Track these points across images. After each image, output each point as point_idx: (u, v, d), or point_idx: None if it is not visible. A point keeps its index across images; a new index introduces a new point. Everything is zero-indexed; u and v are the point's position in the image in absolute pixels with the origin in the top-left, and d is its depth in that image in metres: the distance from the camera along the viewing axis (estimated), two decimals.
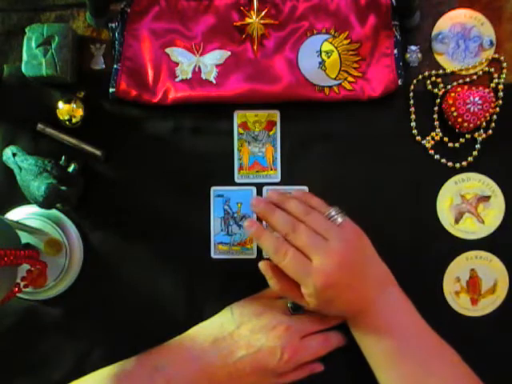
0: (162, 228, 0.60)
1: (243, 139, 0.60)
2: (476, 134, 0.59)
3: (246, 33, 0.58)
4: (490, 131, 0.59)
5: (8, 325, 0.60)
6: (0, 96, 0.60)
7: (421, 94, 0.59)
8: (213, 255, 0.60)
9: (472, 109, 0.57)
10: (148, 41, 0.59)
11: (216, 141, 0.60)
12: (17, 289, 0.53)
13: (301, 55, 0.59)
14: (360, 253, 0.51)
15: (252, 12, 0.58)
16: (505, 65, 0.59)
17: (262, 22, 0.58)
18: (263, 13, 0.58)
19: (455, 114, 0.57)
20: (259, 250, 0.60)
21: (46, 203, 0.52)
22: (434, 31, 0.60)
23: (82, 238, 0.60)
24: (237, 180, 0.60)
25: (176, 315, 0.59)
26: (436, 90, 0.59)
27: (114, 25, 0.58)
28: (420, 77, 0.60)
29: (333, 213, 0.52)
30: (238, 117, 0.60)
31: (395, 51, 0.58)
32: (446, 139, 0.59)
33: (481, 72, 0.59)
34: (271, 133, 0.60)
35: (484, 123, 0.59)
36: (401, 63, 0.58)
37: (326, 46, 0.59)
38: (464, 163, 0.59)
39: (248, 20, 0.58)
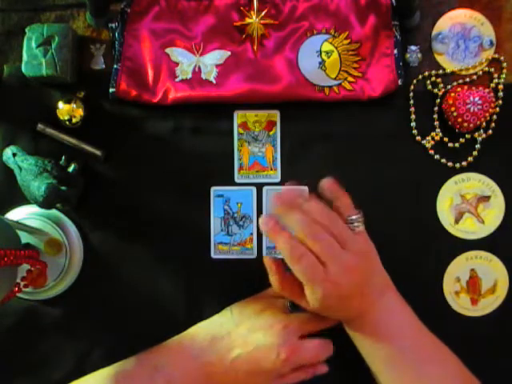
0: (162, 228, 0.60)
1: (243, 139, 0.60)
2: (476, 134, 0.59)
3: (246, 33, 0.58)
4: (490, 131, 0.59)
5: (8, 325, 0.60)
6: (0, 96, 0.60)
7: (421, 94, 0.59)
8: (213, 255, 0.60)
9: (472, 109, 0.57)
10: (148, 41, 0.59)
11: (216, 141, 0.60)
12: (17, 289, 0.53)
13: (301, 55, 0.59)
14: (369, 266, 0.51)
15: (252, 12, 0.58)
16: (505, 65, 0.59)
17: (261, 22, 0.58)
18: (263, 13, 0.58)
19: (455, 113, 0.57)
20: (259, 250, 0.60)
21: (46, 203, 0.52)
22: (434, 31, 0.60)
23: (82, 238, 0.60)
24: (237, 180, 0.60)
25: (176, 315, 0.59)
26: (436, 90, 0.59)
27: (114, 25, 0.58)
28: (420, 77, 0.60)
29: (354, 218, 0.50)
30: (238, 117, 0.60)
31: (395, 51, 0.58)
32: (445, 139, 0.59)
33: (481, 72, 0.59)
34: (271, 133, 0.60)
35: (484, 123, 0.59)
36: (401, 63, 0.58)
37: (326, 46, 0.59)
38: (464, 163, 0.59)
39: (248, 20, 0.58)
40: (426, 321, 0.52)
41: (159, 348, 0.56)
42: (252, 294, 0.58)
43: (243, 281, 0.59)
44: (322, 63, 0.59)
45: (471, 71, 0.60)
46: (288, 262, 0.49)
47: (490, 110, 0.58)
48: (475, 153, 0.59)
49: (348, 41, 0.59)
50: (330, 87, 0.59)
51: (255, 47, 0.59)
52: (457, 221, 0.59)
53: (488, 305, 0.59)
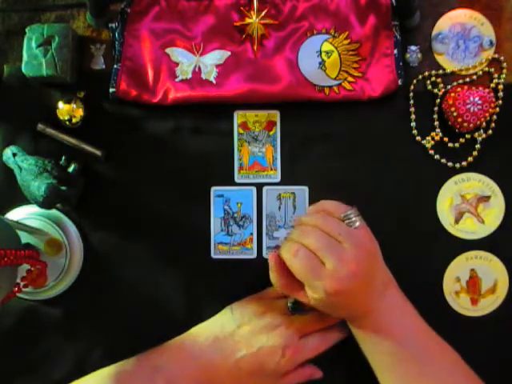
0: (162, 228, 0.60)
1: (243, 139, 0.60)
2: (476, 134, 0.59)
3: (246, 33, 0.58)
4: (490, 131, 0.59)
5: (8, 325, 0.60)
6: (0, 96, 0.60)
7: (421, 94, 0.59)
8: (213, 255, 0.60)
9: (472, 109, 0.57)
10: (148, 41, 0.59)
11: (216, 141, 0.60)
12: (17, 289, 0.53)
13: (301, 55, 0.59)
14: (372, 260, 0.50)
15: (252, 12, 0.58)
16: (505, 65, 0.59)
17: (261, 22, 0.58)
18: (263, 13, 0.58)
19: (455, 114, 0.57)
20: (259, 250, 0.60)
21: (45, 203, 0.52)
22: (434, 31, 0.60)
23: (82, 238, 0.60)
24: (237, 180, 0.60)
25: (176, 315, 0.59)
26: (436, 90, 0.59)
27: (114, 25, 0.58)
28: (420, 77, 0.60)
29: (349, 213, 0.50)
30: (238, 117, 0.60)
31: (395, 51, 0.58)
32: (445, 139, 0.59)
33: (481, 72, 0.59)
34: (271, 133, 0.60)
35: (484, 123, 0.59)
36: (401, 63, 0.58)
37: (326, 46, 0.59)
38: (464, 163, 0.59)
39: (248, 20, 0.58)
40: (426, 321, 0.52)
41: (159, 348, 0.56)
42: (252, 293, 0.58)
43: (243, 281, 0.59)
44: (322, 63, 0.59)
45: (471, 71, 0.60)
46: (284, 257, 0.50)
47: (490, 110, 0.58)
48: (475, 153, 0.59)
49: (348, 41, 0.59)
50: (330, 87, 0.59)
51: (255, 47, 0.59)
52: (457, 221, 0.59)
53: (488, 305, 0.59)
